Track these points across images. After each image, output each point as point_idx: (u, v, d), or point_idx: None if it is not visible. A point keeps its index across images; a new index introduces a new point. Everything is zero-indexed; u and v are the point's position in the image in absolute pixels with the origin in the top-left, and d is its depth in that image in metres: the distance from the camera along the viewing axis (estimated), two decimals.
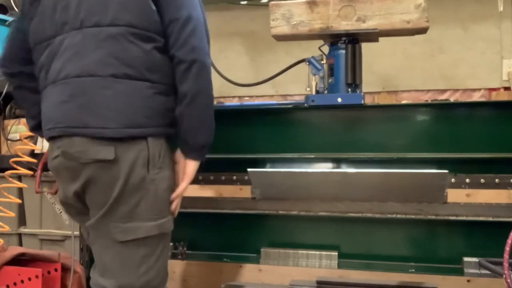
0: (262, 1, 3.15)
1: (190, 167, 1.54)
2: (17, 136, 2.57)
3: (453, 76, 2.99)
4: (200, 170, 2.01)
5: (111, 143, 1.37)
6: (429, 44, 2.96)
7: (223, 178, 2.00)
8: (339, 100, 1.83)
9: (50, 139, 1.49)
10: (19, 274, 2.15)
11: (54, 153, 1.46)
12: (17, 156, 2.23)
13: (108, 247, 1.45)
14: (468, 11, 2.95)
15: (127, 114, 1.38)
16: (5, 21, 2.77)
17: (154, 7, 1.42)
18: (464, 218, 1.80)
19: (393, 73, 3.08)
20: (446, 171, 1.72)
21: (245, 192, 2.01)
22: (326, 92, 1.89)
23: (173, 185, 1.52)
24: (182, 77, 1.45)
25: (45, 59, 1.49)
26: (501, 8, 2.45)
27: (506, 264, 1.43)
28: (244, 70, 3.26)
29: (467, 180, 1.79)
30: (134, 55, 1.39)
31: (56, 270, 2.17)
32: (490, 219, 1.79)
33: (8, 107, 2.64)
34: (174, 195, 1.51)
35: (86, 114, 1.37)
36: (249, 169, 1.84)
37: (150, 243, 1.44)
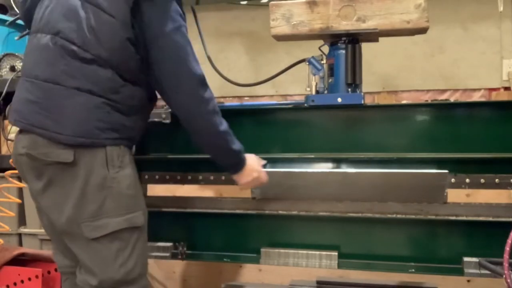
0: (262, 1, 3.15)
1: (236, 179, 1.74)
2: None
3: (453, 76, 2.99)
4: (200, 170, 2.02)
5: (70, 147, 1.46)
6: (429, 44, 2.96)
7: (223, 178, 2.00)
8: (339, 100, 1.83)
9: (18, 131, 1.58)
10: (19, 274, 2.16)
11: (19, 150, 1.54)
12: None
13: (83, 246, 1.53)
14: (468, 11, 2.95)
15: (81, 124, 1.46)
16: (5, 21, 2.77)
17: (132, 49, 1.50)
18: (464, 218, 1.80)
19: (393, 73, 3.08)
20: (446, 171, 1.72)
21: (245, 192, 2.01)
22: (326, 92, 1.89)
23: (137, 182, 1.61)
24: (181, 123, 1.62)
25: (26, 51, 1.60)
26: (501, 8, 2.45)
27: (506, 264, 1.43)
28: (244, 70, 3.26)
29: (467, 180, 1.79)
30: (99, 76, 1.48)
31: (56, 270, 2.17)
32: (490, 219, 1.78)
33: (8, 107, 2.63)
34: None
35: (47, 118, 1.47)
36: None
37: (122, 237, 1.53)
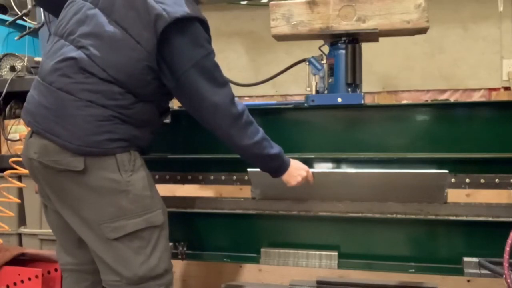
0: (262, 1, 3.15)
1: (284, 180, 1.71)
2: (17, 136, 2.57)
3: (453, 76, 2.99)
4: (200, 170, 2.02)
5: (80, 155, 1.47)
6: (429, 44, 2.96)
7: (223, 178, 2.00)
8: (339, 100, 1.83)
9: (30, 132, 1.57)
10: (19, 274, 2.16)
11: (31, 155, 1.54)
12: (17, 156, 2.23)
13: (104, 246, 1.55)
14: (468, 11, 2.95)
15: (92, 135, 1.47)
16: (5, 21, 2.77)
17: (152, 75, 1.51)
18: (464, 218, 1.80)
19: (393, 73, 3.08)
20: (446, 171, 1.72)
21: (245, 192, 2.01)
22: (326, 92, 1.89)
23: (151, 182, 1.62)
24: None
25: (47, 50, 1.59)
26: (501, 8, 2.45)
27: (506, 264, 1.44)
28: (244, 70, 3.26)
29: (467, 180, 1.79)
30: (114, 94, 1.49)
31: (56, 270, 2.18)
32: (490, 219, 1.79)
33: (8, 107, 2.64)
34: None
35: (58, 126, 1.48)
36: (249, 169, 1.84)
37: (142, 236, 1.55)
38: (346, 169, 1.88)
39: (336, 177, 1.85)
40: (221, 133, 1.59)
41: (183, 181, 2.05)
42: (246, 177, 1.95)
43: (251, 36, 3.27)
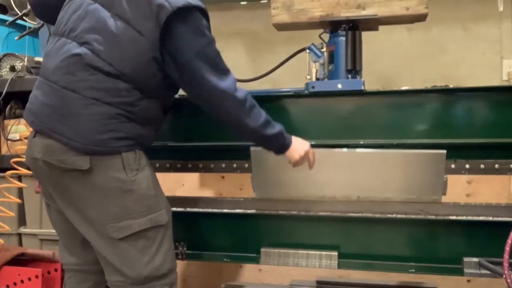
0: (262, 1, 3.15)
1: (287, 157, 1.72)
2: (17, 136, 2.57)
3: (453, 76, 2.98)
4: (201, 158, 2.02)
5: (86, 154, 1.47)
6: (429, 44, 2.95)
7: (223, 166, 2.01)
8: (339, 86, 1.83)
9: (33, 133, 1.57)
10: (19, 274, 2.16)
11: (35, 155, 1.54)
12: (17, 156, 2.23)
13: (109, 246, 1.54)
14: (468, 11, 2.94)
15: (97, 134, 1.47)
16: (5, 21, 2.77)
17: (156, 67, 1.51)
18: (464, 218, 1.80)
19: (393, 73, 3.07)
20: (444, 151, 1.71)
21: (245, 192, 2.02)
22: (326, 79, 1.89)
23: (156, 181, 1.62)
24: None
25: (48, 50, 1.59)
26: (501, 8, 2.45)
27: (506, 264, 1.44)
28: (244, 70, 3.24)
29: (467, 166, 1.79)
30: (119, 90, 1.49)
31: (56, 270, 2.18)
32: (490, 219, 1.79)
33: (8, 107, 2.63)
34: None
35: (63, 124, 1.47)
36: (251, 148, 1.84)
37: (147, 236, 1.55)
38: (343, 149, 1.86)
39: (335, 156, 1.84)
40: (230, 118, 1.60)
41: (184, 169, 2.04)
42: (246, 165, 1.96)
43: (251, 36, 3.26)
